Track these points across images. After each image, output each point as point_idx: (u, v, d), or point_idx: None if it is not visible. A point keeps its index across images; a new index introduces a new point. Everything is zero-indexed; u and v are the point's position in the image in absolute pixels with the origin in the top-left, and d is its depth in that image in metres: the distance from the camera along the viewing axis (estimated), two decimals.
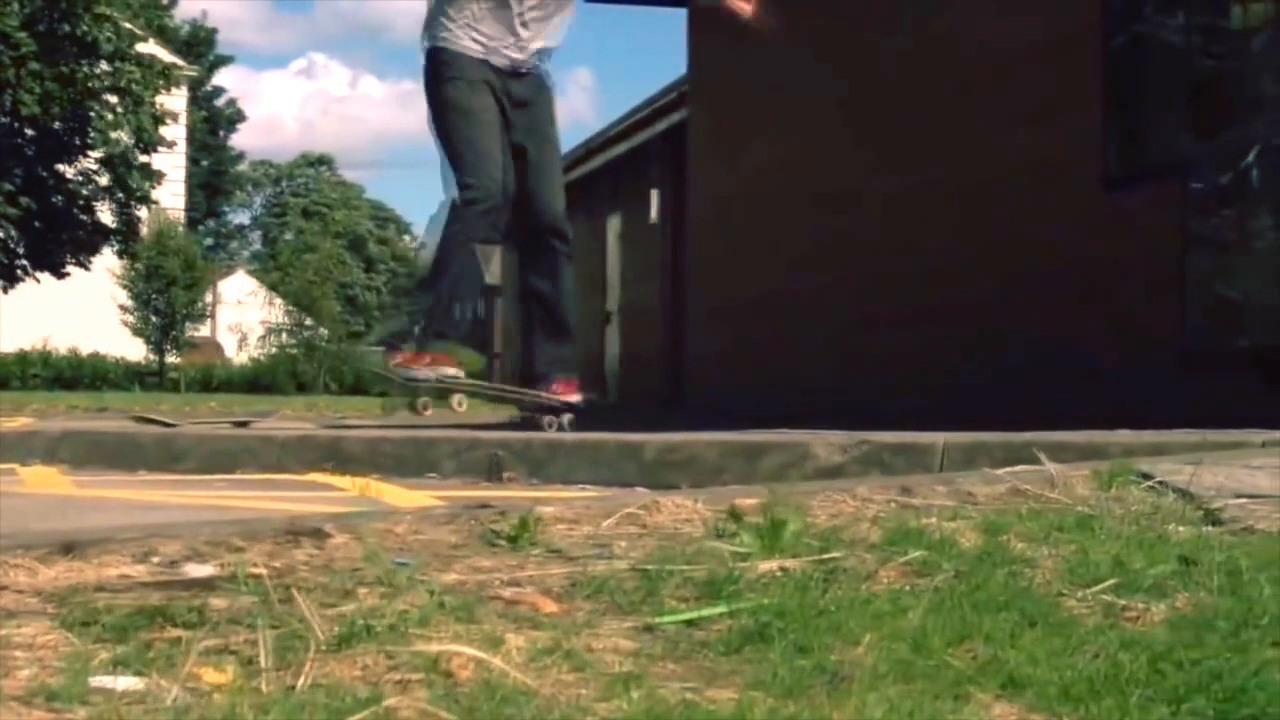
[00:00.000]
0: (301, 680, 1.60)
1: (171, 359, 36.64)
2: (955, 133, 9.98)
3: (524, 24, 7.56)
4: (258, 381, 34.00)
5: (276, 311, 38.11)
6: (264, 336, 37.31)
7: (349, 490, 6.07)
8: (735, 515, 2.57)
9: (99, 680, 1.56)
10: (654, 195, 19.88)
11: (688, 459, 6.21)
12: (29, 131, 27.03)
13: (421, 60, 7.80)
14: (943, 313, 10.01)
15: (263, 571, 2.03)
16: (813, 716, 1.60)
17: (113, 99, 28.12)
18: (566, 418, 7.84)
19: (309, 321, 37.74)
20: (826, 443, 5.91)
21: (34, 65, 26.10)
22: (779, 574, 2.23)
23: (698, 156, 15.16)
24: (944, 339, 9.99)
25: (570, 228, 7.78)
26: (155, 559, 2.20)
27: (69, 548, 2.18)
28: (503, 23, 7.53)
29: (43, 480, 6.79)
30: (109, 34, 27.53)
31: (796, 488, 3.12)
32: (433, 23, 7.64)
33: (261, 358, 36.81)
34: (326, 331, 37.90)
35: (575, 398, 7.98)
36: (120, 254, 30.70)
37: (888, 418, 7.72)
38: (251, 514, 3.56)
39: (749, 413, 11.30)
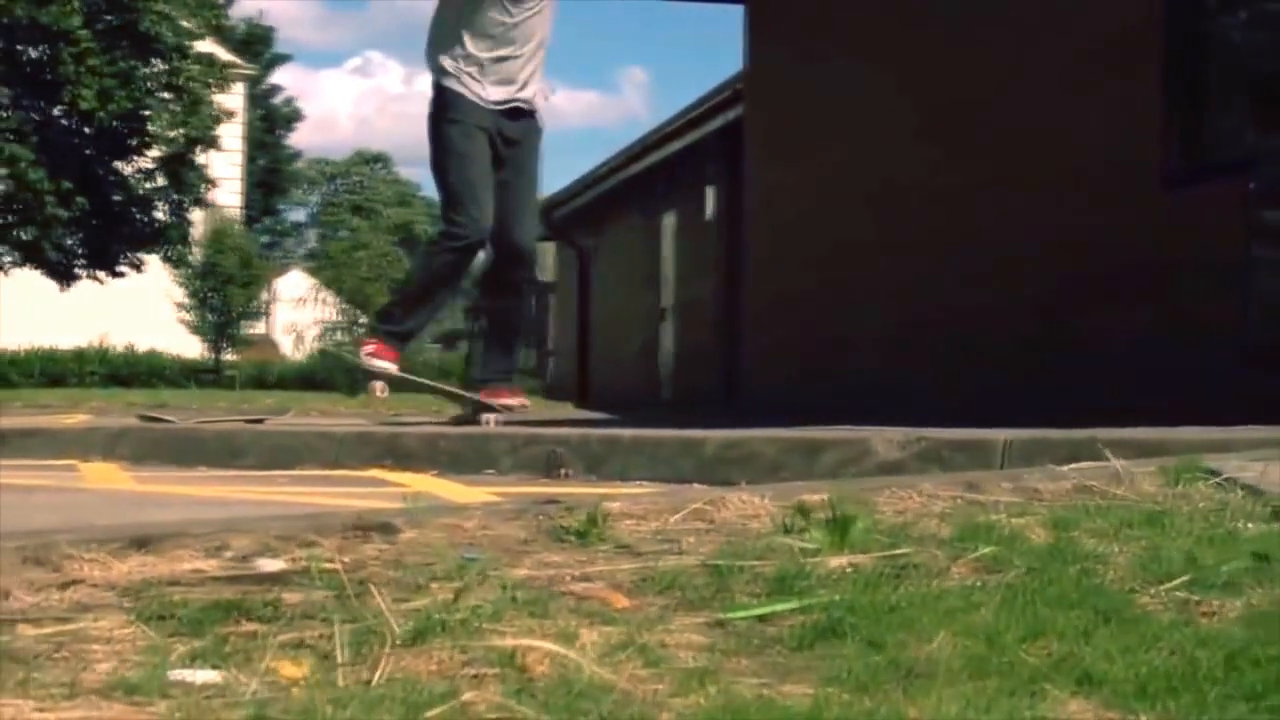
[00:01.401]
0: (377, 675, 1.60)
1: (228, 356, 36.82)
2: (1015, 129, 9.92)
3: (524, 71, 8.12)
4: (313, 378, 34.07)
5: (331, 309, 38.22)
6: (320, 336, 37.42)
7: (408, 486, 6.08)
8: (803, 511, 2.56)
9: (177, 674, 1.57)
10: (709, 192, 19.84)
11: (746, 456, 6.19)
12: (87, 130, 27.20)
13: (429, 89, 8.33)
14: (1001, 309, 9.95)
15: (335, 566, 2.04)
16: (889, 713, 1.60)
17: (170, 97, 28.26)
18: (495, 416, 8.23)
19: (363, 319, 37.86)
20: (886, 439, 5.88)
21: (93, 62, 26.27)
22: (849, 570, 2.23)
23: (754, 153, 15.12)
24: (1002, 335, 9.93)
25: (536, 258, 8.53)
26: (227, 553, 2.21)
27: (142, 542, 2.19)
28: (506, 70, 8.05)
29: (103, 476, 6.83)
30: (168, 31, 27.69)
31: (861, 484, 3.11)
32: (439, 55, 8.11)
33: (317, 355, 36.93)
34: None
35: (518, 401, 8.44)
36: (166, 258, 30.80)
37: (944, 415, 7.69)
38: (316, 510, 3.57)
39: (803, 409, 11.26)
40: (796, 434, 6.38)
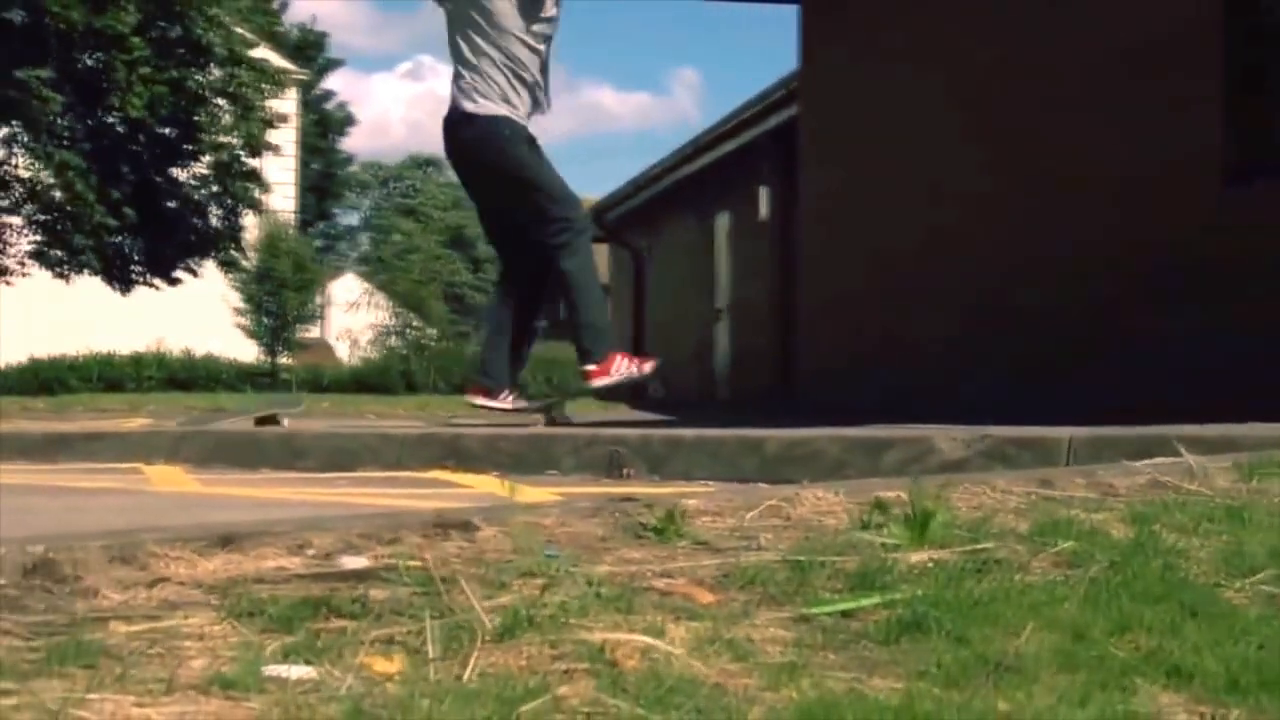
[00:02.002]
0: (469, 670, 1.61)
1: (283, 360, 36.98)
2: (1072, 129, 9.87)
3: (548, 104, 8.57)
4: (367, 381, 34.17)
5: (384, 312, 38.31)
6: (374, 339, 37.54)
7: (471, 487, 6.10)
8: (881, 507, 2.56)
9: (272, 669, 1.58)
10: (763, 192, 19.83)
11: (809, 455, 6.19)
12: (140, 137, 27.38)
13: (482, 126, 8.45)
14: (1057, 309, 9.91)
15: (419, 563, 2.05)
16: (980, 707, 1.59)
17: (223, 104, 28.41)
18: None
19: (417, 322, 37.95)
20: (949, 437, 5.87)
21: (145, 70, 26.43)
22: (930, 565, 2.22)
23: (808, 153, 15.11)
24: (1060, 335, 9.89)
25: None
26: (310, 551, 2.22)
27: (226, 540, 2.21)
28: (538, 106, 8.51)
29: (168, 479, 6.87)
30: (221, 38, 27.83)
31: (935, 480, 3.10)
32: (495, 96, 8.35)
33: (372, 358, 37.03)
34: (435, 332, 38.07)
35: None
36: (220, 263, 30.99)
37: (1000, 414, 7.65)
38: (386, 510, 3.58)
39: (859, 409, 11.24)
40: (859, 433, 6.36)
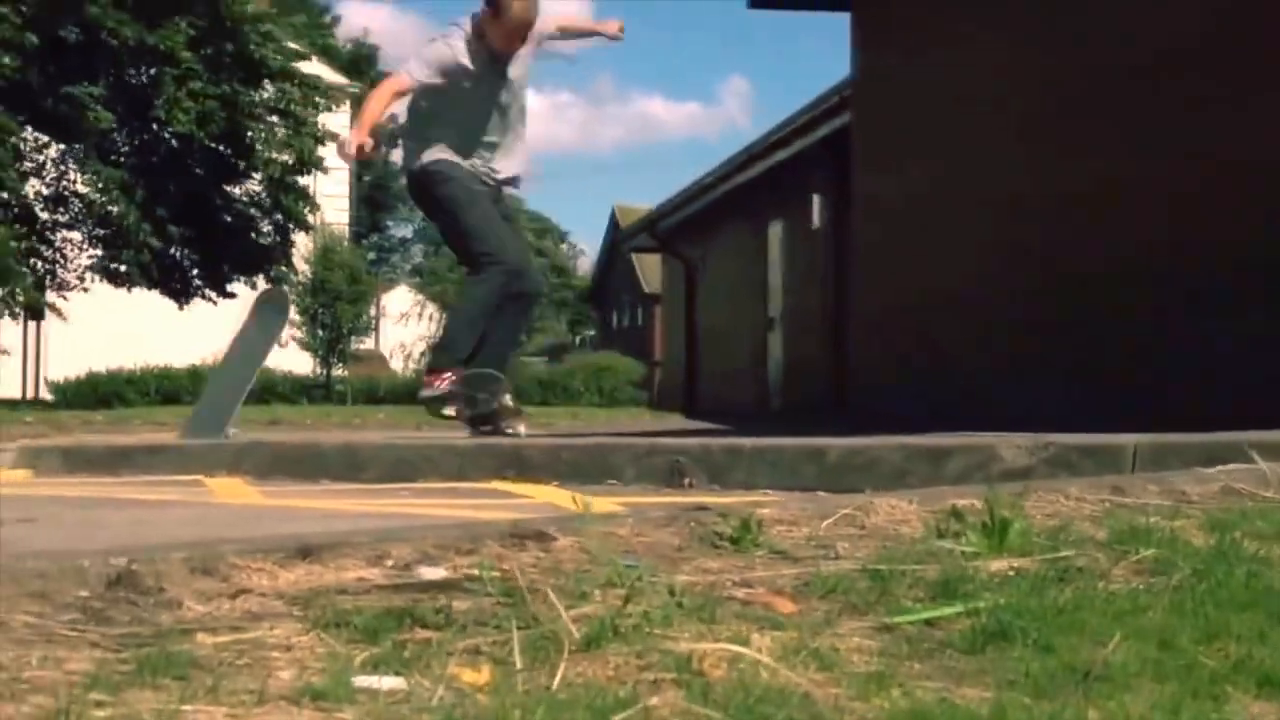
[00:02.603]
0: (556, 680, 1.61)
1: (337, 372, 37.11)
2: (1133, 132, 9.80)
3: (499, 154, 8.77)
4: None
5: (437, 324, 38.41)
6: (426, 350, 37.62)
7: (532, 498, 6.10)
8: (958, 515, 2.54)
9: (362, 680, 1.58)
10: (816, 200, 19.78)
11: (870, 463, 6.16)
12: (193, 153, 27.55)
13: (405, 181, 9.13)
14: (1119, 315, 9.84)
15: (500, 573, 2.05)
16: (1072, 716, 1.58)
17: (275, 120, 28.56)
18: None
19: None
20: (1013, 445, 5.83)
21: (195, 85, 26.60)
22: (1011, 573, 2.21)
23: (861, 161, 15.07)
24: (1121, 341, 9.82)
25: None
26: (389, 562, 2.23)
27: (306, 552, 2.21)
28: (488, 152, 8.71)
29: (231, 491, 6.90)
30: (274, 53, 27.98)
31: (1010, 488, 3.08)
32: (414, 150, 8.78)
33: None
34: None
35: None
36: (270, 279, 31.17)
37: (1059, 423, 7.59)
38: (460, 521, 3.59)
39: (914, 418, 11.20)
40: (920, 440, 6.33)
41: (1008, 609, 1.97)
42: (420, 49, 8.82)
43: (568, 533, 2.42)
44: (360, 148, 8.35)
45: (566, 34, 9.29)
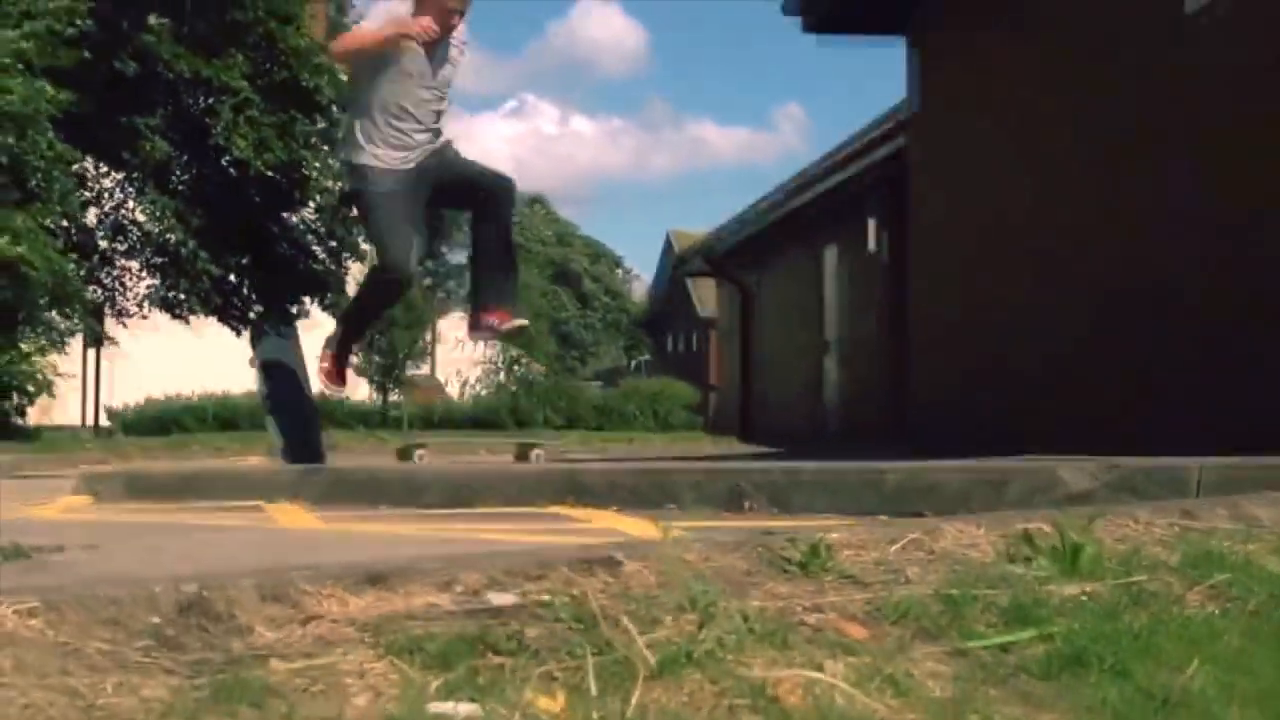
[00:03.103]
0: (631, 707, 1.60)
1: (393, 398, 37.23)
2: (1193, 162, 9.73)
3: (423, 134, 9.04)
4: (478, 418, 34.34)
5: (492, 349, 38.50)
6: (482, 376, 37.71)
7: (591, 522, 6.10)
8: (1029, 540, 2.52)
9: (437, 706, 1.57)
10: (871, 225, 19.76)
11: (930, 487, 6.13)
12: (250, 182, 27.74)
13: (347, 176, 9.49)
14: (1182, 343, 9.77)
15: (570, 600, 2.04)
16: None
17: (327, 149, 28.73)
18: None
19: (524, 358, 38.09)
20: (1075, 468, 5.79)
21: (251, 113, 26.81)
22: (1084, 598, 2.19)
23: (918, 186, 15.03)
24: (1172, 364, 9.75)
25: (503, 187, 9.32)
26: (458, 588, 2.22)
27: (375, 578, 2.21)
28: (406, 142, 8.99)
29: (292, 517, 6.92)
30: (329, 86, 28.17)
31: (1079, 512, 3.05)
32: (352, 143, 9.04)
33: (481, 395, 37.18)
34: (543, 367, 38.21)
35: (518, 323, 9.26)
36: (324, 306, 31.37)
37: (1117, 444, 7.53)
38: (529, 546, 3.58)
39: (972, 440, 11.15)
40: (981, 465, 6.30)
41: (1082, 634, 1.95)
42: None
43: (636, 558, 2.41)
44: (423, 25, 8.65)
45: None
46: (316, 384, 9.93)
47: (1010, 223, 12.41)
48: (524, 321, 9.39)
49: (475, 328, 9.40)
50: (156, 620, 2.01)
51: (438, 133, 9.16)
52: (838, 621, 2.02)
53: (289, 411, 10.27)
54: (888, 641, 1.94)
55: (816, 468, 6.58)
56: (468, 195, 9.42)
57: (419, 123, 9.03)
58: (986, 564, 2.47)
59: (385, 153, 8.97)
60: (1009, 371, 12.31)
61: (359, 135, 9.01)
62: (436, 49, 8.89)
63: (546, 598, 2.11)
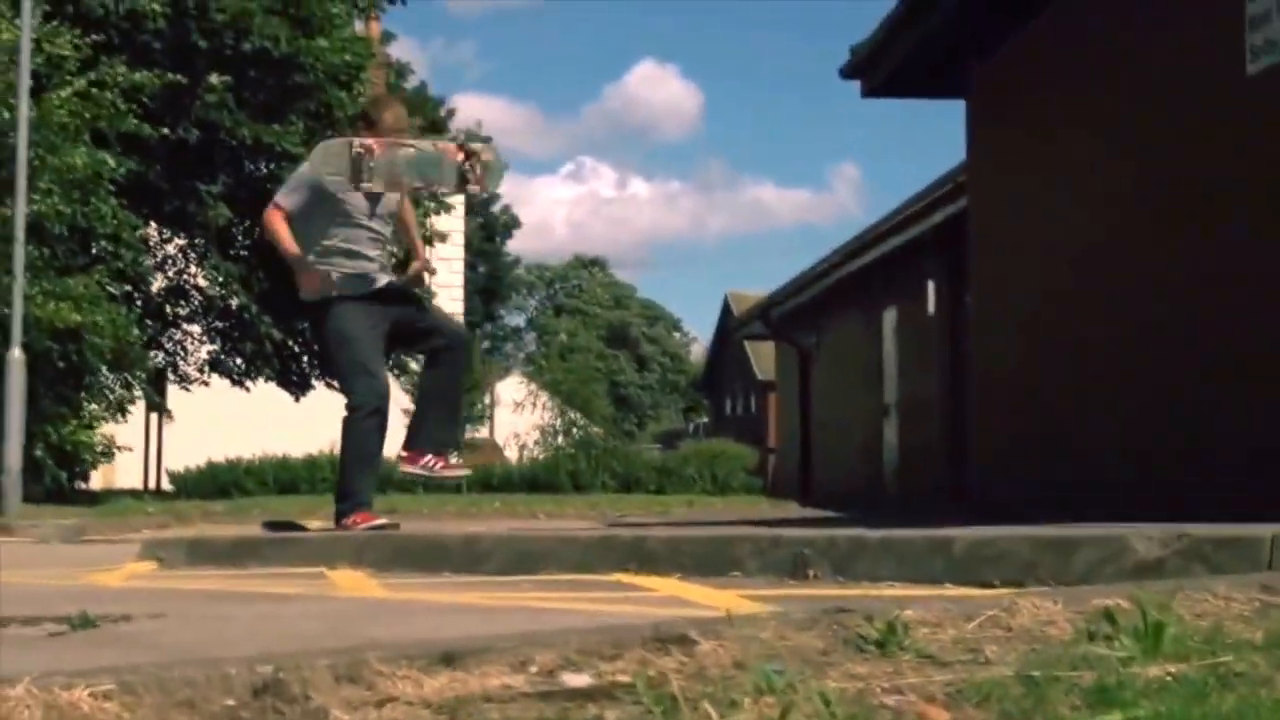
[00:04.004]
0: None
1: (452, 460, 37.32)
2: (1256, 221, 9.65)
3: (383, 253, 9.41)
4: (536, 481, 34.38)
5: (550, 412, 38.59)
6: (540, 439, 37.79)
7: (656, 590, 6.06)
8: (1109, 617, 2.48)
9: None
10: (931, 287, 19.72)
11: (997, 555, 6.06)
12: None
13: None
14: (1238, 402, 9.67)
15: (647, 681, 2.02)
16: None
17: None
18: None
19: (582, 420, 38.15)
20: (1145, 537, 5.71)
21: None
22: (1168, 679, 2.15)
23: (977, 246, 14.98)
24: (1242, 429, 9.64)
25: (460, 337, 9.76)
26: (533, 669, 2.20)
27: (449, 658, 2.20)
28: (369, 261, 9.25)
29: (353, 584, 6.91)
30: None
31: (1155, 587, 3.01)
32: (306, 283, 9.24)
33: (540, 457, 37.24)
34: (600, 430, 38.25)
35: (460, 472, 9.74)
36: (389, 369, 31.62)
37: (1192, 511, 7.44)
38: (594, 625, 3.56)
39: (1034, 506, 11.06)
40: (1048, 532, 6.23)
41: (1168, 717, 1.91)
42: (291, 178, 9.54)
43: (710, 636, 2.39)
44: (312, 280, 9.13)
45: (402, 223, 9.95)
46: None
47: (1072, 284, 12.35)
48: (466, 471, 9.51)
49: (412, 464, 9.59)
50: (231, 703, 2.00)
51: (392, 265, 9.52)
52: (919, 704, 1.99)
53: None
54: None
55: (882, 535, 6.52)
56: (424, 340, 9.52)
57: (367, 257, 9.21)
58: (1066, 642, 2.44)
59: (341, 286, 9.12)
60: (1070, 434, 12.21)
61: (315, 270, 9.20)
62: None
63: (623, 678, 2.09)
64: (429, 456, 9.45)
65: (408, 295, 9.47)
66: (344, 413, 9.25)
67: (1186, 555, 5.60)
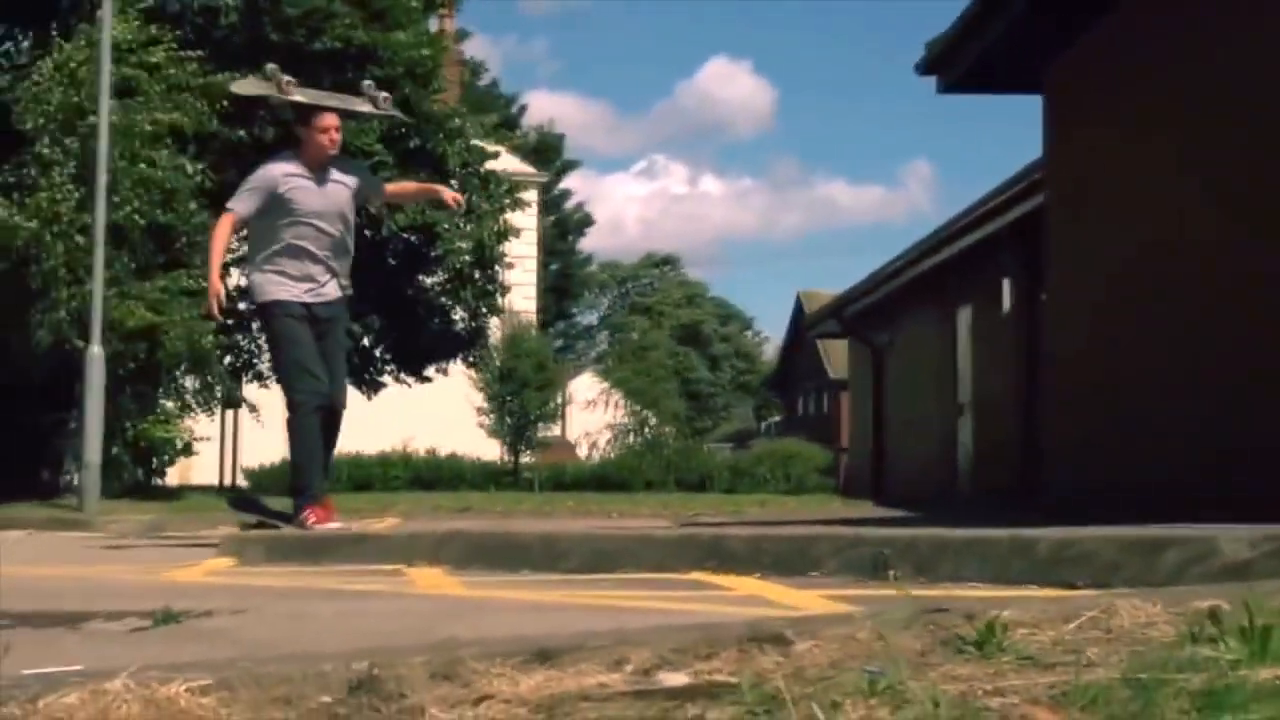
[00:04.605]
0: None
1: (525, 459, 37.41)
2: None
3: (324, 275, 9.62)
4: (607, 479, 34.43)
5: (622, 410, 38.61)
6: (613, 437, 37.82)
7: (735, 590, 6.04)
8: (1214, 619, 2.43)
9: None
10: (1006, 285, 19.57)
11: (1081, 556, 5.99)
12: (388, 244, 28.14)
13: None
14: None
15: (748, 681, 1.99)
16: None
17: (457, 212, 29.12)
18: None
19: (653, 420, 38.15)
20: (1233, 538, 5.63)
21: (385, 174, 27.26)
22: (1278, 683, 2.10)
23: (1054, 244, 14.86)
24: None
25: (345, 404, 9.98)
26: (628, 667, 2.18)
27: (544, 656, 2.18)
28: (309, 279, 9.55)
29: (431, 581, 6.92)
30: (460, 150, 28.55)
31: (1260, 588, 2.95)
32: (261, 280, 9.59)
33: (611, 456, 37.28)
34: (672, 429, 38.24)
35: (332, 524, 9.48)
36: (468, 363, 31.82)
37: (1267, 513, 7.33)
38: (688, 623, 3.54)
39: (1111, 506, 10.94)
40: (1134, 532, 6.15)
41: None
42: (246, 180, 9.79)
43: (805, 636, 2.36)
44: (218, 298, 9.53)
45: (390, 197, 11.04)
46: None
47: (1152, 280, 12.22)
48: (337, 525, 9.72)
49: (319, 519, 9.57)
50: (327, 699, 1.98)
51: (339, 269, 9.71)
52: (1024, 707, 1.95)
53: None
54: None
55: (964, 535, 6.47)
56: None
57: (313, 256, 9.51)
58: (1169, 645, 2.39)
59: (288, 286, 9.47)
60: (1149, 433, 12.08)
61: (260, 274, 9.56)
62: (324, 182, 9.52)
63: (720, 678, 2.06)
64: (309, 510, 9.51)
65: (332, 332, 9.80)
66: (285, 413, 9.72)
67: (1275, 556, 5.52)
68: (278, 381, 10.14)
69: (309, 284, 9.52)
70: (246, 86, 10.58)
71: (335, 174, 9.63)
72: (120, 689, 1.97)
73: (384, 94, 10.29)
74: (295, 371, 9.52)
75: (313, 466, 9.64)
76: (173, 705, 1.92)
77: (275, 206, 9.42)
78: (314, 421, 9.53)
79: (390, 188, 11.00)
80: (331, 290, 9.66)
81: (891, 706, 1.88)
